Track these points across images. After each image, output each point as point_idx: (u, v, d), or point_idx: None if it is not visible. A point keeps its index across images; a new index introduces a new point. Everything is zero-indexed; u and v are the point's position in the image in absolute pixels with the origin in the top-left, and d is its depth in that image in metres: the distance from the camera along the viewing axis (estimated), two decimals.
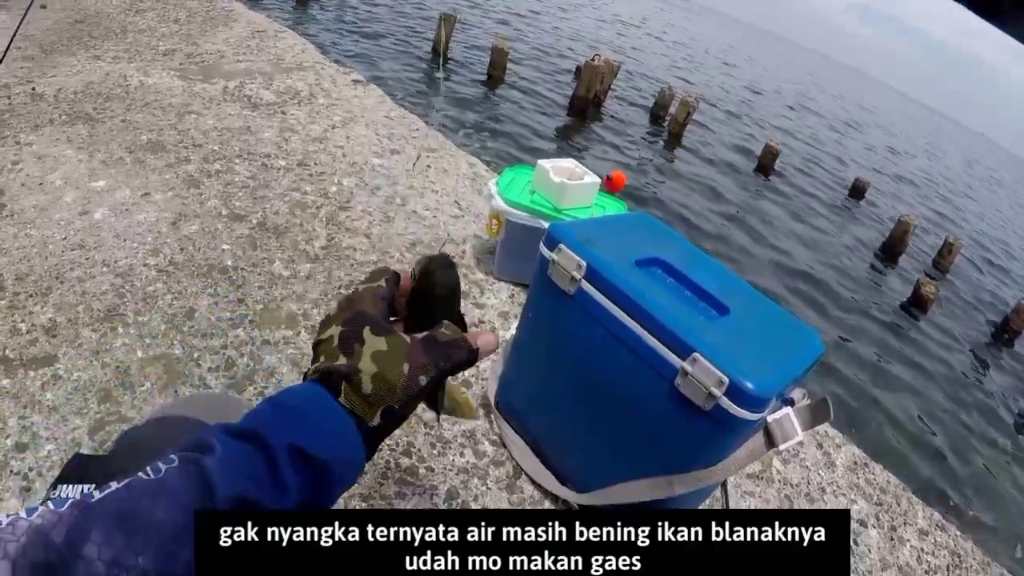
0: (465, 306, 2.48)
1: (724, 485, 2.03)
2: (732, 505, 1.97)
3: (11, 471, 1.63)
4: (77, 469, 0.88)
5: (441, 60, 17.33)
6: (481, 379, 2.15)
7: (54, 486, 0.83)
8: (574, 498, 1.79)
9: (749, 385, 1.35)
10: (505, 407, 1.99)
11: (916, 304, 13.16)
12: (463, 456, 1.91)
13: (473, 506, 1.78)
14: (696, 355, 1.40)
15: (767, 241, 13.58)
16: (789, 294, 11.40)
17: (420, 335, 0.79)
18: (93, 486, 0.81)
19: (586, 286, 1.60)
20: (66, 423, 1.77)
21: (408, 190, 3.28)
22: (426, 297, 0.87)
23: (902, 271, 15.10)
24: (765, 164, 18.24)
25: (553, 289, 1.67)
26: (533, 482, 1.88)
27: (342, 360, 0.74)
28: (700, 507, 1.91)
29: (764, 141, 18.98)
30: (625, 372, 1.55)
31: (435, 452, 1.90)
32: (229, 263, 2.44)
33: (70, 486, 0.83)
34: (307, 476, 0.66)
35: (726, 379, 1.36)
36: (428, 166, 3.61)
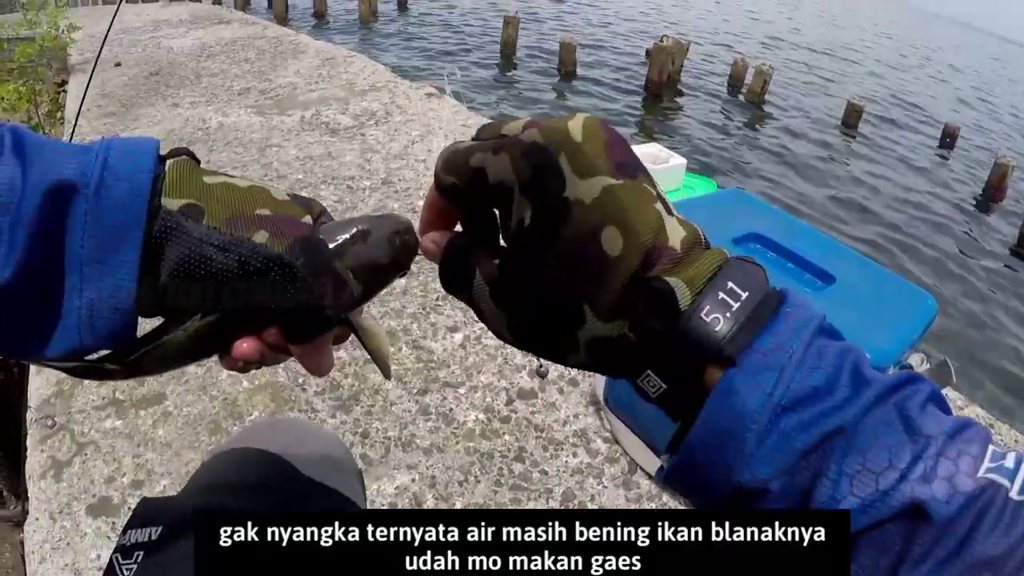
0: None
1: None
2: None
3: (129, 508, 1.66)
4: (143, 513, 0.85)
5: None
6: (587, 376, 2.11)
7: (124, 532, 0.81)
8: None
9: (867, 356, 1.28)
10: (614, 402, 1.94)
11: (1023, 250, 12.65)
12: (576, 456, 1.86)
13: (590, 506, 1.74)
14: None
15: (863, 201, 13.22)
16: (891, 253, 11.07)
17: (326, 239, 0.58)
18: (160, 528, 0.79)
19: None
20: (179, 457, 1.79)
21: None
22: (358, 249, 0.60)
23: (1005, 216, 14.52)
24: (850, 122, 17.76)
25: None
26: (649, 476, 1.83)
27: None
28: None
29: (844, 100, 18.47)
30: None
31: (547, 455, 1.86)
32: None
33: (137, 531, 0.80)
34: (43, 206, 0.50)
35: None
36: None
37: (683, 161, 2.48)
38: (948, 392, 2.29)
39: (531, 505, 1.72)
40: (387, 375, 0.69)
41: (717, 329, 0.43)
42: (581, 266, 0.44)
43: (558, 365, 0.53)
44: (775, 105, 18.26)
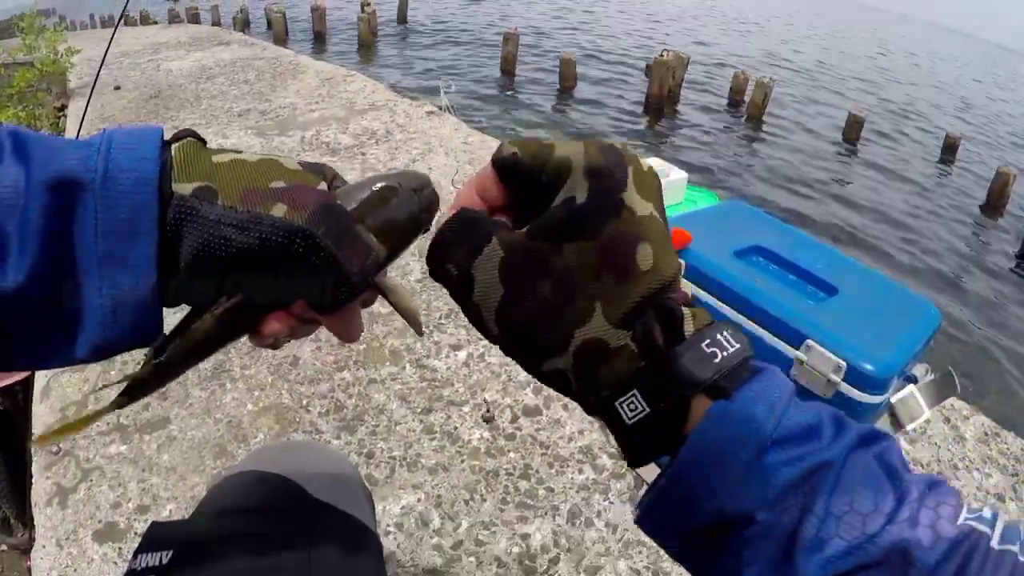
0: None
1: None
2: None
3: (135, 533, 1.66)
4: (154, 536, 0.84)
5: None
6: None
7: (135, 556, 0.80)
8: None
9: (868, 367, 1.29)
10: None
11: None
12: (582, 472, 1.86)
13: (596, 522, 1.72)
14: (810, 342, 1.34)
15: (865, 212, 13.23)
16: (895, 263, 11.07)
17: (340, 200, 0.56)
18: (171, 552, 0.78)
19: (687, 285, 1.54)
20: (184, 481, 1.79)
21: None
22: (379, 210, 0.58)
23: (1009, 225, 14.51)
24: (851, 133, 17.78)
25: None
26: None
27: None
28: None
29: (845, 111, 18.50)
30: None
31: (553, 471, 1.85)
32: None
33: (148, 555, 0.80)
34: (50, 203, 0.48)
35: (843, 364, 1.30)
36: None
37: (684, 175, 2.49)
38: (953, 402, 2.29)
39: (537, 523, 1.71)
40: (420, 331, 0.68)
41: (715, 361, 0.44)
42: (611, 264, 0.45)
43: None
44: (776, 117, 18.32)
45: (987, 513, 0.43)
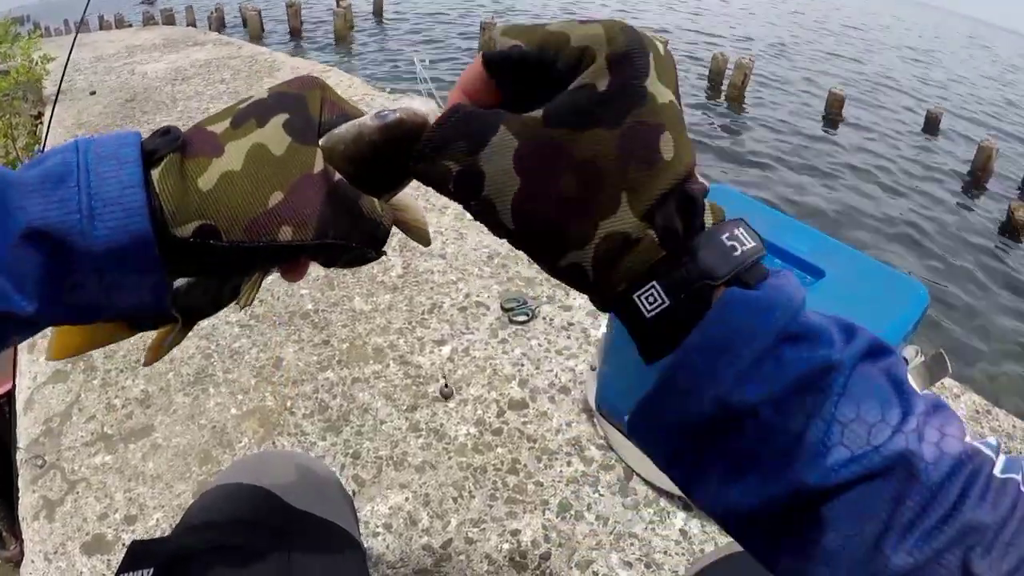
0: (552, 309, 2.43)
1: None
2: None
3: (123, 544, 1.65)
4: (135, 554, 0.84)
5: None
6: (579, 383, 2.10)
7: (117, 575, 0.80)
8: None
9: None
10: (607, 408, 1.92)
11: (1012, 232, 12.69)
12: (571, 465, 1.85)
13: (587, 515, 1.72)
14: None
15: (849, 191, 13.26)
16: (882, 243, 11.10)
17: (341, 179, 0.55)
18: (151, 569, 0.78)
19: None
20: (171, 489, 1.78)
21: None
22: (374, 168, 0.56)
23: (992, 199, 14.56)
24: (832, 112, 17.81)
25: None
26: (646, 482, 1.81)
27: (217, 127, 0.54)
28: None
29: (824, 92, 18.53)
30: None
31: (541, 465, 1.84)
32: (309, 307, 2.43)
33: (130, 573, 0.80)
34: (39, 258, 0.46)
35: None
36: None
37: None
38: (944, 380, 2.28)
39: (527, 518, 1.70)
40: (428, 241, 0.70)
41: (735, 254, 0.44)
42: (636, 155, 0.43)
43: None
44: (757, 98, 18.32)
45: (992, 440, 0.44)
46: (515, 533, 1.67)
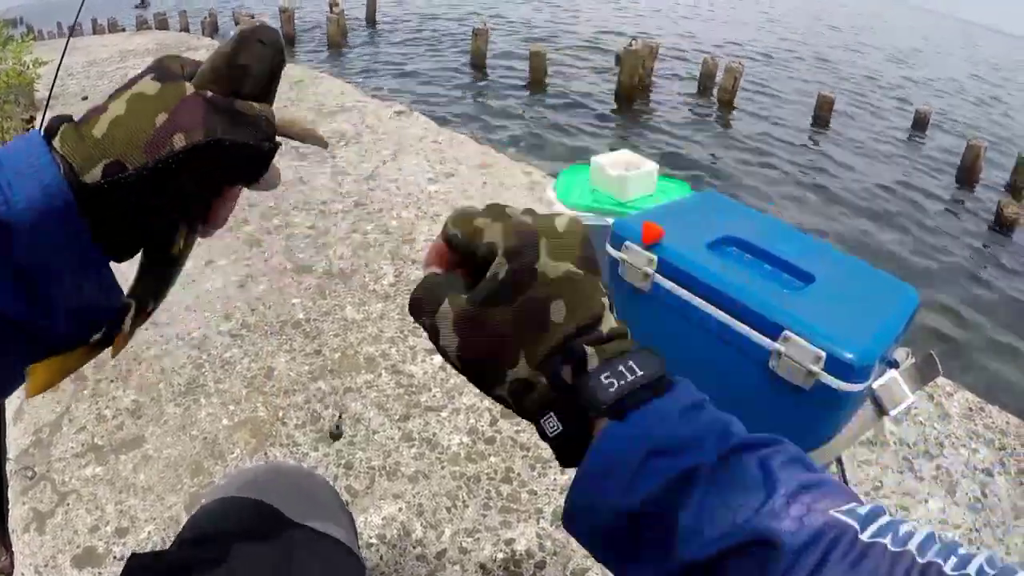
0: None
1: (839, 459, 1.94)
2: (849, 477, 1.88)
3: (114, 557, 1.63)
4: (132, 569, 0.84)
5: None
6: None
7: None
8: None
9: (848, 355, 1.27)
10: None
11: (1001, 228, 12.73)
12: (564, 473, 1.84)
13: None
14: (787, 333, 1.32)
15: (839, 195, 13.28)
16: (871, 245, 11.12)
17: (214, 94, 0.60)
18: None
19: (660, 279, 1.53)
20: (162, 501, 1.76)
21: None
22: (238, 74, 0.62)
23: (981, 197, 14.60)
24: (822, 115, 17.84)
25: (628, 289, 1.61)
26: None
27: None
28: None
29: (816, 92, 18.57)
30: (716, 363, 1.48)
31: (535, 474, 1.84)
32: (301, 316, 2.43)
33: None
34: None
35: (823, 353, 1.28)
36: (484, 183, 3.57)
37: (655, 166, 2.46)
38: (937, 380, 2.29)
39: (521, 527, 1.70)
40: (324, 144, 0.76)
41: (611, 390, 0.54)
42: (530, 321, 0.57)
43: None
44: (747, 102, 18.35)
45: (862, 510, 0.50)
46: (509, 542, 1.66)
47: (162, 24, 24.56)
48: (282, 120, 0.66)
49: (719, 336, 1.44)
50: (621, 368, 0.56)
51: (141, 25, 23.60)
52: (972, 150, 15.37)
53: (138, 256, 0.64)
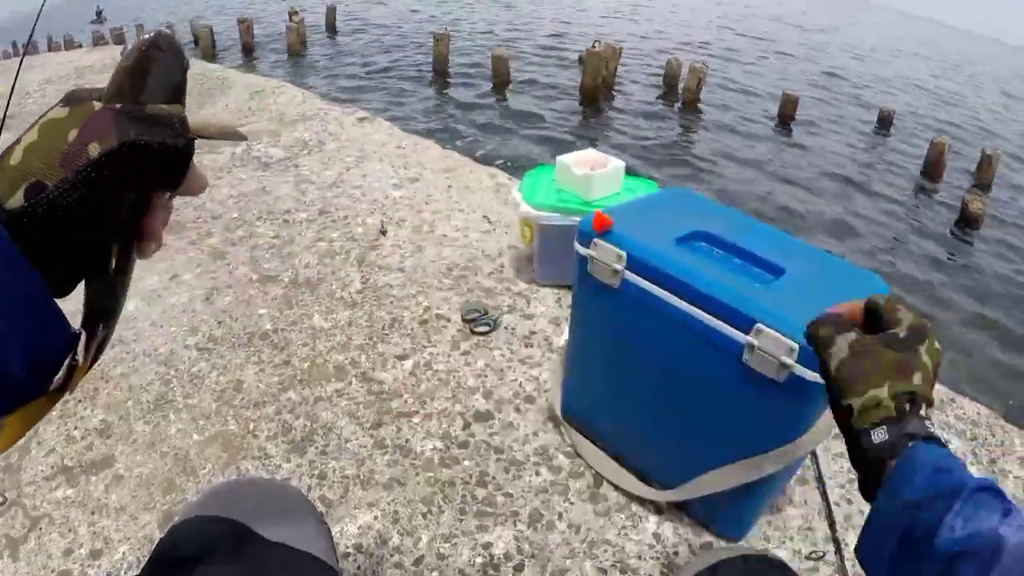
0: (514, 318, 2.42)
1: (814, 452, 1.94)
2: (824, 469, 1.89)
3: None
4: None
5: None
6: (543, 391, 2.09)
7: None
8: (661, 497, 1.72)
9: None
10: (573, 416, 1.92)
11: (967, 223, 12.87)
12: (539, 475, 1.84)
13: (558, 524, 1.71)
14: (759, 326, 1.32)
15: (807, 191, 13.39)
16: (841, 239, 11.22)
17: (123, 105, 0.60)
18: None
19: (630, 276, 1.53)
20: (136, 521, 1.73)
21: (434, 215, 3.22)
22: (141, 83, 0.62)
23: (946, 193, 14.77)
24: (787, 113, 17.98)
25: (597, 286, 1.60)
26: (616, 488, 1.81)
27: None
28: (792, 478, 1.83)
29: (778, 93, 18.70)
30: (688, 358, 1.48)
31: (510, 476, 1.83)
32: (268, 327, 2.41)
33: None
34: None
35: (796, 345, 1.28)
36: (449, 186, 3.56)
37: (621, 164, 2.46)
38: None
39: (498, 530, 1.69)
40: (243, 137, 0.74)
41: (929, 430, 0.77)
42: (902, 368, 0.81)
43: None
44: (712, 103, 18.44)
45: None
46: (487, 546, 1.66)
47: (119, 39, 24.31)
48: (195, 123, 0.66)
49: (690, 331, 1.44)
50: (927, 423, 0.78)
51: (98, 41, 23.35)
52: (936, 147, 15.57)
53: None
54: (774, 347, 1.30)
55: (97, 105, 0.59)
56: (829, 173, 14.59)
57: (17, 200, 0.53)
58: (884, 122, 18.93)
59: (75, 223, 0.56)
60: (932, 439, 0.76)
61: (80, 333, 0.61)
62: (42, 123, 0.57)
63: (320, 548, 0.99)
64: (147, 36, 0.64)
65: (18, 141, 0.56)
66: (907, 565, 0.69)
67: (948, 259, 11.50)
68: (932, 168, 15.52)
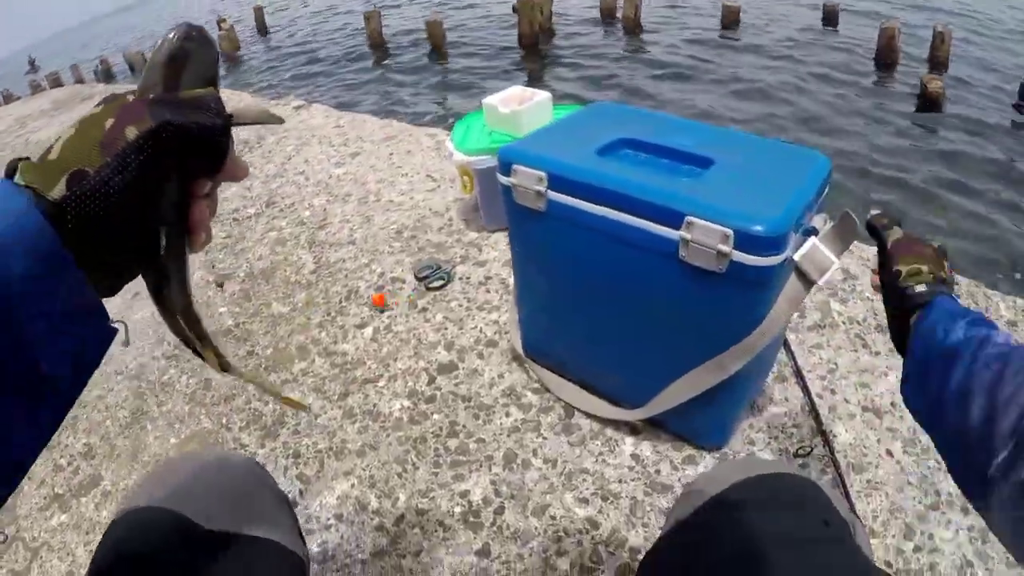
0: (467, 268, 2.44)
1: (787, 346, 1.94)
2: (801, 363, 1.90)
3: None
4: None
5: None
6: (504, 334, 2.11)
7: None
8: (631, 416, 1.71)
9: (758, 228, 1.24)
10: (534, 351, 1.93)
11: (928, 105, 12.77)
12: (509, 416, 1.86)
13: (534, 461, 1.74)
14: (689, 218, 1.29)
15: (759, 93, 13.31)
16: (797, 138, 11.14)
17: (156, 94, 0.61)
18: None
19: (555, 195, 1.51)
20: None
21: (378, 184, 3.23)
22: (173, 72, 0.62)
23: (903, 79, 14.66)
24: (729, 22, 17.84)
25: (525, 213, 1.59)
26: (588, 415, 1.83)
27: None
28: (770, 374, 1.84)
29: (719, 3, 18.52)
30: (627, 266, 1.46)
31: (480, 422, 1.86)
32: (230, 323, 2.42)
33: None
34: None
35: (730, 232, 1.25)
36: (391, 154, 3.56)
37: (547, 95, 2.46)
38: (873, 250, 2.30)
39: (474, 477, 1.72)
40: (279, 120, 0.75)
41: (955, 286, 1.13)
42: (927, 254, 1.08)
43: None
44: (653, 25, 18.26)
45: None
46: (464, 494, 1.68)
47: (55, 82, 23.91)
48: (234, 109, 0.66)
49: (622, 240, 1.42)
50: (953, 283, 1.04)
51: (35, 89, 23.02)
52: (886, 32, 15.41)
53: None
54: (708, 237, 1.27)
55: (130, 98, 0.59)
56: (780, 73, 14.48)
57: (60, 190, 0.53)
58: (830, 18, 18.76)
59: (119, 208, 0.55)
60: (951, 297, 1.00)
61: (117, 329, 0.61)
62: (78, 121, 0.57)
63: (276, 528, 0.97)
64: (177, 28, 0.64)
65: (56, 140, 0.56)
66: (939, 363, 0.88)
67: (914, 144, 11.43)
68: (884, 55, 15.33)
